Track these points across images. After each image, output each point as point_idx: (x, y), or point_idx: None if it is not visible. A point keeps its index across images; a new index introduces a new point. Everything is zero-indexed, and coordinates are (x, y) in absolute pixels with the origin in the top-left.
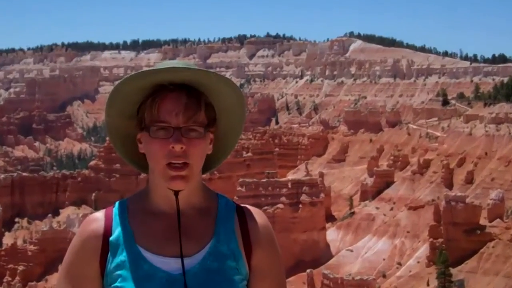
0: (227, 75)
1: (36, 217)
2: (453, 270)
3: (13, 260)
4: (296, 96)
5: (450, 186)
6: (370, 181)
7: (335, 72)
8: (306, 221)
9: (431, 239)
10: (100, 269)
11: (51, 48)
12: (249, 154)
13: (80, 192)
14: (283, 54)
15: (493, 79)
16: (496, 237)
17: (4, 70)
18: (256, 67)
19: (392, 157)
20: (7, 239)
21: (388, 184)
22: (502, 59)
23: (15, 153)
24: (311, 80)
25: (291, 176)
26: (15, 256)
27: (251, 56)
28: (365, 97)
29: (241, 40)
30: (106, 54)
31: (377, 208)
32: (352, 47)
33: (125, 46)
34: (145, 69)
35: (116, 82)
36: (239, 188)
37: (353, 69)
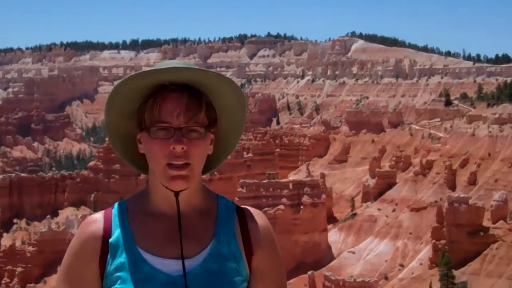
0: (228, 75)
1: (35, 218)
2: (456, 272)
3: (12, 261)
4: (297, 96)
5: (453, 187)
6: (372, 182)
7: (336, 72)
8: (307, 222)
9: (433, 241)
10: (100, 271)
11: (50, 47)
12: (250, 154)
13: (79, 193)
14: (284, 54)
15: (497, 79)
16: (500, 239)
17: (2, 70)
18: (257, 67)
19: (394, 158)
20: (6, 240)
21: (390, 185)
22: (505, 59)
23: (13, 153)
24: (313, 80)
25: (292, 177)
26: (14, 257)
27: (252, 56)
28: (367, 98)
29: (242, 39)
30: (106, 53)
31: (379, 209)
32: (354, 47)
33: (124, 46)
34: (145, 69)
35: (116, 82)
36: (239, 189)
37: (355, 69)
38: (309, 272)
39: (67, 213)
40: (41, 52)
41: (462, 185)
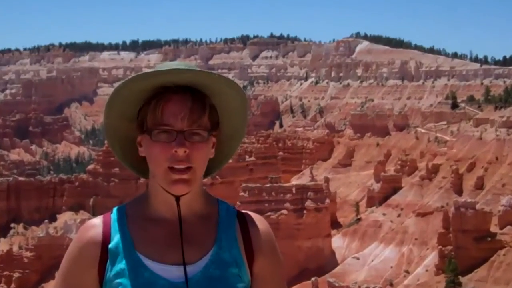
0: (230, 76)
1: (32, 222)
2: (462, 279)
3: (9, 267)
4: (300, 99)
5: (459, 192)
6: (377, 186)
7: (341, 74)
8: (310, 227)
9: (440, 247)
10: (99, 277)
11: (48, 48)
12: (252, 158)
13: (77, 197)
14: (287, 55)
15: (504, 82)
16: (507, 245)
17: None
18: (259, 69)
19: (399, 162)
20: (3, 245)
21: (396, 190)
22: None
23: (11, 156)
24: (316, 82)
25: (295, 181)
26: (11, 262)
27: (254, 57)
28: (372, 100)
29: (244, 40)
30: (105, 54)
31: (384, 214)
32: (358, 48)
33: (124, 47)
34: (145, 70)
35: (116, 84)
36: (241, 194)
37: (359, 71)
38: (313, 279)
39: (65, 217)
40: (39, 53)
41: (469, 189)
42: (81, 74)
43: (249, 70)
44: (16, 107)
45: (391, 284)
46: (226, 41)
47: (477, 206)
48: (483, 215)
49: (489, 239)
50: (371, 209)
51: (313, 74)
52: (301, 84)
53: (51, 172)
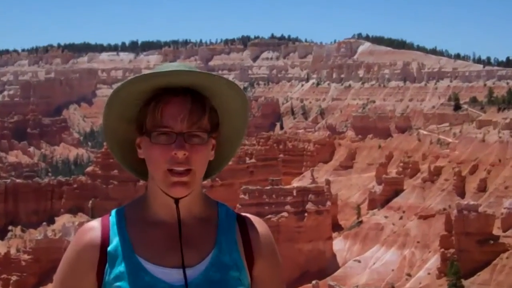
0: (230, 78)
1: (30, 225)
2: (465, 282)
3: (6, 270)
4: (301, 100)
5: (462, 194)
6: (378, 189)
7: (342, 75)
8: (311, 230)
9: (442, 250)
10: (98, 280)
11: (47, 49)
12: (253, 160)
13: (76, 200)
14: (288, 56)
15: (507, 83)
16: (510, 248)
17: None
18: (260, 70)
19: (401, 164)
20: (0, 248)
21: (398, 192)
22: None
23: (8, 158)
24: (317, 84)
25: (296, 183)
26: (8, 265)
27: (255, 58)
28: (374, 102)
29: (245, 41)
30: (104, 55)
31: (385, 217)
32: (360, 49)
33: (123, 48)
34: (144, 71)
35: (115, 85)
36: (242, 196)
37: (361, 72)
38: (313, 282)
39: (63, 220)
40: (38, 54)
41: (471, 192)
42: (80, 75)
43: (250, 71)
44: (14, 109)
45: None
46: (226, 42)
47: (480, 209)
48: (485, 218)
49: (492, 242)
50: (373, 211)
51: (314, 75)
52: (302, 85)
53: (49, 174)
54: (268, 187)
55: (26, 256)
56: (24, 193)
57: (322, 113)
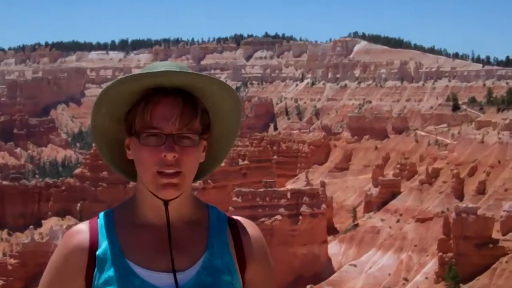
0: (223, 77)
1: (17, 228)
2: (463, 287)
3: None
4: (296, 100)
5: (460, 197)
6: (375, 191)
7: (338, 75)
8: (306, 233)
9: (440, 254)
10: (86, 285)
11: (34, 48)
12: (246, 162)
13: (64, 202)
14: (282, 55)
15: (507, 83)
16: (510, 252)
17: None
18: (253, 69)
19: (398, 166)
20: None
21: (394, 195)
22: None
23: None
24: (312, 83)
25: (290, 185)
26: None
27: (248, 58)
28: (370, 102)
29: (238, 40)
30: (93, 54)
31: (382, 220)
32: (356, 48)
33: (113, 46)
34: (135, 71)
35: (104, 85)
36: (234, 199)
37: (357, 72)
38: (308, 286)
39: (51, 223)
40: (25, 52)
41: (470, 194)
42: (68, 75)
43: (243, 71)
44: (1, 109)
45: None
46: (219, 40)
47: (479, 212)
48: (484, 221)
49: (491, 245)
50: (369, 214)
51: (309, 75)
52: (297, 85)
53: (37, 176)
54: (262, 190)
55: (12, 260)
56: (11, 195)
57: (317, 113)
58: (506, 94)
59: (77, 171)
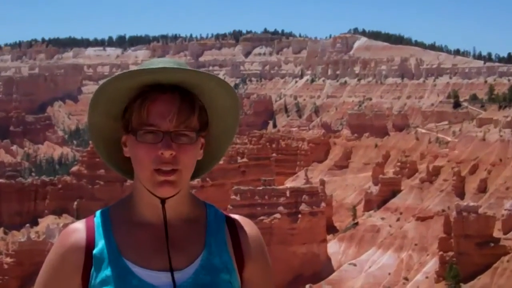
0: (221, 74)
1: (13, 227)
2: (464, 286)
3: None
4: (295, 97)
5: (461, 195)
6: (375, 189)
7: (337, 72)
8: (305, 232)
9: (440, 253)
10: (83, 284)
11: (30, 44)
12: (244, 159)
13: (60, 200)
14: (281, 51)
15: (509, 80)
16: (511, 251)
17: None
18: (252, 66)
19: (399, 164)
20: None
21: (395, 193)
22: None
23: None
24: (312, 80)
25: (289, 183)
26: None
27: (247, 54)
28: (370, 99)
29: (236, 36)
30: (90, 51)
31: (382, 218)
32: (356, 45)
33: (110, 43)
34: (132, 67)
35: (101, 82)
36: (233, 197)
37: (357, 69)
38: (307, 286)
39: (47, 221)
40: (21, 49)
41: (471, 193)
42: (65, 71)
43: (242, 67)
44: None
45: None
46: (217, 37)
47: (480, 210)
48: (486, 219)
49: (492, 244)
50: (369, 213)
51: (309, 72)
52: (296, 82)
53: (33, 174)
54: (261, 188)
55: (8, 259)
56: (7, 193)
57: (316, 110)
58: (508, 91)
59: (74, 168)
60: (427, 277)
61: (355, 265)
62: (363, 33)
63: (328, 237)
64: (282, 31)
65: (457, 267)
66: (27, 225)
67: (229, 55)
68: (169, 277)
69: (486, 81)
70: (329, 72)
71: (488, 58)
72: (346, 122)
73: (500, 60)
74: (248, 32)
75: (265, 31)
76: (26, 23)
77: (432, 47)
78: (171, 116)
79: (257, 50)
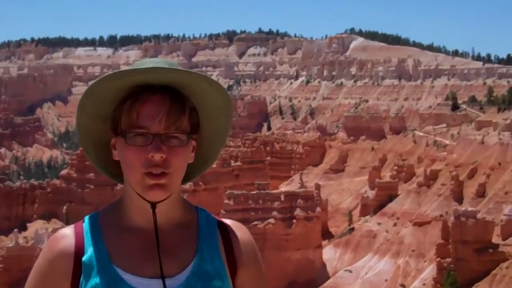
0: (214, 75)
1: (1, 232)
2: None
3: None
4: (290, 99)
5: (459, 200)
6: (371, 194)
7: (333, 73)
8: (300, 238)
9: (438, 259)
10: None
11: (19, 43)
12: (238, 163)
13: (49, 204)
14: (276, 52)
15: (508, 82)
16: (510, 257)
17: None
18: (246, 67)
19: (395, 168)
20: None
21: (391, 198)
22: None
23: None
24: (307, 82)
25: (284, 188)
26: None
27: (241, 55)
28: (367, 101)
29: (230, 36)
30: (80, 50)
31: (379, 224)
32: (352, 45)
33: (101, 42)
34: (123, 68)
35: (91, 82)
36: (226, 201)
37: (353, 70)
38: None
39: (36, 226)
40: (10, 48)
41: (469, 197)
42: (55, 72)
43: (236, 68)
44: None
45: None
46: (210, 36)
47: (479, 215)
48: (484, 225)
49: (491, 250)
50: (365, 218)
51: (304, 73)
52: (291, 83)
53: (22, 177)
54: (254, 192)
55: None
56: None
57: (312, 113)
58: (507, 93)
59: (64, 172)
60: (424, 284)
61: (351, 271)
62: (360, 33)
63: (324, 242)
64: (277, 31)
65: (455, 274)
66: (15, 230)
67: (223, 56)
68: (161, 284)
69: (485, 83)
70: (325, 73)
71: (487, 60)
72: (342, 125)
73: (500, 61)
74: (242, 32)
75: (260, 31)
76: (15, 22)
77: (430, 47)
78: (160, 117)
79: (251, 51)
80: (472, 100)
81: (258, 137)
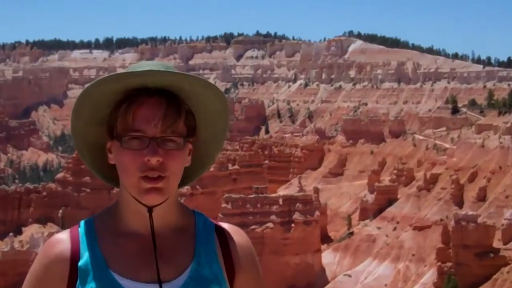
0: (212, 78)
1: None
2: None
3: None
4: (288, 102)
5: (460, 204)
6: (370, 197)
7: (332, 76)
8: (299, 242)
9: (438, 263)
10: None
11: (14, 46)
12: (236, 166)
13: (45, 208)
14: (274, 55)
15: (509, 85)
16: (511, 261)
17: None
18: (244, 70)
19: (395, 171)
20: None
21: (391, 202)
22: None
23: None
24: (306, 85)
25: (282, 191)
26: None
27: (238, 57)
28: (366, 104)
29: (228, 39)
30: (76, 53)
31: (378, 228)
32: (351, 48)
33: (97, 45)
34: (119, 71)
35: (87, 85)
36: (224, 205)
37: (352, 73)
38: None
39: (32, 230)
40: (4, 51)
41: (470, 201)
42: (50, 75)
43: (233, 71)
44: None
45: None
46: (208, 39)
47: (479, 220)
48: (485, 229)
49: (492, 255)
50: (365, 222)
51: (302, 76)
52: (289, 86)
53: (17, 181)
54: (253, 196)
55: None
56: None
57: (310, 116)
58: (508, 96)
59: (59, 175)
60: None
61: (350, 276)
62: (359, 36)
63: (323, 247)
64: (275, 33)
65: (455, 279)
66: (11, 234)
67: (220, 58)
68: None
69: (485, 86)
70: (323, 76)
71: (487, 62)
72: (341, 128)
73: (500, 64)
74: (239, 35)
75: (257, 33)
76: (10, 24)
77: (430, 50)
78: (156, 120)
79: (249, 53)
80: (472, 104)
81: (256, 140)
